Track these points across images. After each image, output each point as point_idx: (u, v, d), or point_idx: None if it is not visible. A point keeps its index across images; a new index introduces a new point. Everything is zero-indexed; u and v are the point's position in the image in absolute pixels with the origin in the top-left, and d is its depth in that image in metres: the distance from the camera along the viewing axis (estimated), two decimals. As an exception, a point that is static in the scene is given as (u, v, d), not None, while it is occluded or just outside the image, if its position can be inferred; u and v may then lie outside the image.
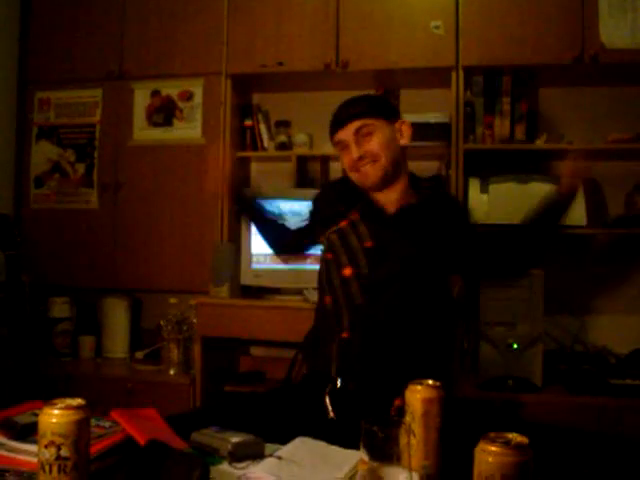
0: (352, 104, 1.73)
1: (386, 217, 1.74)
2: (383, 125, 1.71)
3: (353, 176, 1.74)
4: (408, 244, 1.68)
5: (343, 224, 1.74)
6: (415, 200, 1.78)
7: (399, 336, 1.65)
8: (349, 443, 1.28)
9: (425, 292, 1.69)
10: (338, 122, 1.72)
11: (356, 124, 1.69)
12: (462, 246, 1.76)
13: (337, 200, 1.81)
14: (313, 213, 1.96)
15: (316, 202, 1.95)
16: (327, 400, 1.53)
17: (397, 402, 1.53)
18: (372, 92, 3.02)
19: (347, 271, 1.68)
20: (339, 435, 1.41)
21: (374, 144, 1.69)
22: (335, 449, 1.28)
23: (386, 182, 1.73)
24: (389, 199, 1.76)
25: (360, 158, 1.69)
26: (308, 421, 1.48)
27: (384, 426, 0.96)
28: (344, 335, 1.64)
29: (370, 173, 1.70)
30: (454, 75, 2.72)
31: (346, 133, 1.70)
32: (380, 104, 1.77)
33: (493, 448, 0.86)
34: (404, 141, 1.76)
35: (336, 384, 1.51)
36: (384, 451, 0.96)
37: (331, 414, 1.52)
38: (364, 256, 1.68)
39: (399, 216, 1.73)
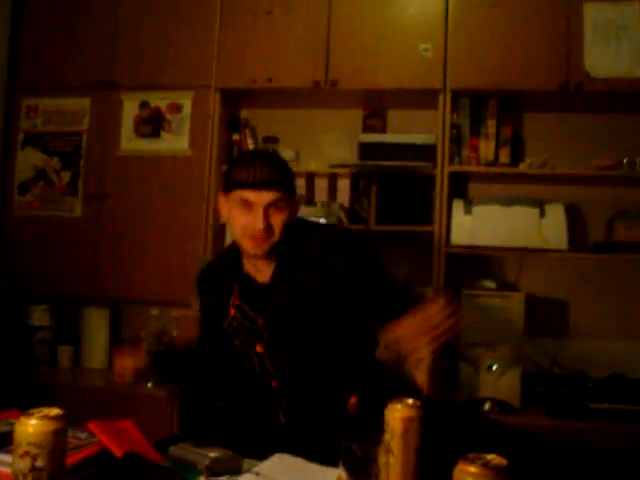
0: (270, 168, 1.62)
1: (261, 288, 1.71)
2: (290, 202, 1.65)
3: (244, 241, 1.64)
4: (293, 305, 1.66)
5: (232, 312, 1.73)
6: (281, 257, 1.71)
7: (316, 386, 1.67)
8: (305, 448, 1.32)
9: (326, 336, 1.67)
10: (254, 182, 1.59)
11: (275, 195, 1.59)
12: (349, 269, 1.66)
13: (222, 282, 1.77)
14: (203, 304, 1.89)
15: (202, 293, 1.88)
16: (280, 413, 1.64)
17: (352, 400, 1.61)
18: (360, 112, 3.07)
19: (259, 348, 1.71)
20: (293, 440, 1.46)
21: (280, 221, 1.61)
22: (313, 466, 1.28)
23: (270, 254, 1.67)
24: (262, 266, 1.71)
25: (264, 230, 1.61)
26: (286, 437, 1.49)
27: (363, 445, 0.96)
28: (273, 384, 1.71)
29: (260, 243, 1.62)
30: (441, 97, 2.76)
31: (260, 198, 1.59)
32: (292, 179, 1.69)
33: (472, 469, 0.86)
34: (294, 217, 1.69)
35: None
36: (363, 470, 0.96)
37: (281, 419, 1.64)
38: (262, 333, 1.69)
39: (273, 283, 1.70)
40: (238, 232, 1.64)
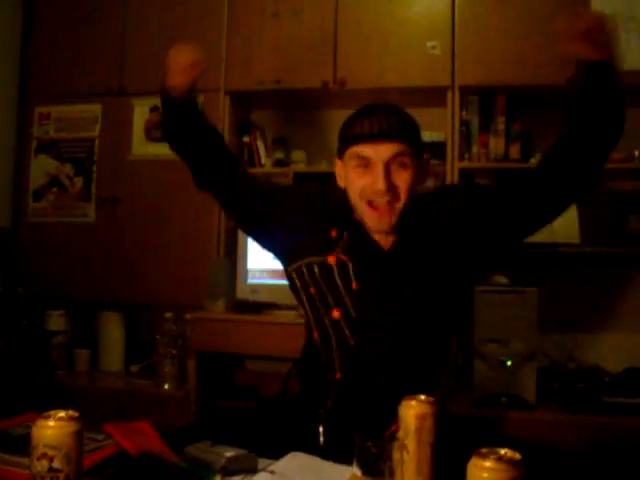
0: (390, 117, 1.33)
1: (380, 254, 1.46)
2: (415, 161, 1.38)
3: (364, 210, 1.39)
4: (404, 282, 1.45)
5: (331, 260, 1.46)
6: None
7: (393, 376, 1.49)
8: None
9: (424, 325, 1.48)
10: (371, 134, 1.31)
11: (396, 147, 1.32)
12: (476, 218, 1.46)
13: (327, 221, 1.51)
14: (283, 199, 1.59)
15: (300, 198, 1.62)
16: (320, 428, 1.45)
17: (394, 427, 1.53)
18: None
19: (335, 313, 1.46)
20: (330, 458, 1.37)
21: (405, 181, 1.35)
22: (328, 464, 1.28)
23: (396, 229, 1.42)
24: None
25: (386, 191, 1.35)
26: (300, 437, 1.48)
27: (377, 441, 0.96)
28: (337, 376, 1.50)
29: (383, 215, 1.37)
30: (450, 95, 2.75)
31: (378, 152, 1.33)
32: (418, 132, 1.40)
33: (486, 463, 0.86)
34: (423, 181, 1.45)
35: (323, 417, 1.44)
36: (377, 466, 0.97)
37: (321, 439, 1.45)
38: (350, 298, 1.45)
39: (394, 251, 1.46)
40: (356, 198, 1.39)
